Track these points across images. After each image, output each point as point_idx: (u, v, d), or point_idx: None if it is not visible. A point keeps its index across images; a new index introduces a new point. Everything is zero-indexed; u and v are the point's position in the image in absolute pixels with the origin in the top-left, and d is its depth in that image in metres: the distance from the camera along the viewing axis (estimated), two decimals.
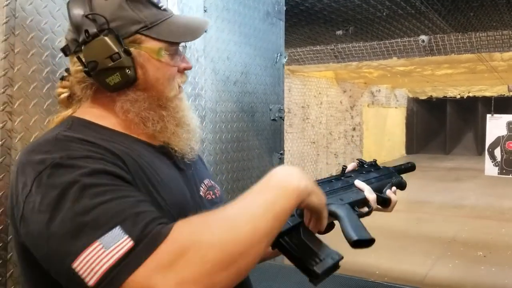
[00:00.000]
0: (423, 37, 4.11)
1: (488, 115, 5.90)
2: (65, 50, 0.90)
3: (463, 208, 7.13)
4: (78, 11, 0.86)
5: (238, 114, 1.95)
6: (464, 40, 4.49)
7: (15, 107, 1.14)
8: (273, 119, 1.94)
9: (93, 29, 0.84)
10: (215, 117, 1.89)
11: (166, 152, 0.93)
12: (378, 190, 1.13)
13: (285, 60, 1.96)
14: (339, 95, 10.50)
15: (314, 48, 5.14)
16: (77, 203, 0.68)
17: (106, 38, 0.84)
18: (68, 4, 0.88)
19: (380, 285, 3.49)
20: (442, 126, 14.92)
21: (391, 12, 3.19)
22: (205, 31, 0.99)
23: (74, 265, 0.65)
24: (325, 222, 0.89)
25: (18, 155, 0.85)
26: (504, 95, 11.04)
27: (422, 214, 6.75)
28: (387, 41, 4.71)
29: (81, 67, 0.86)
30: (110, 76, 0.85)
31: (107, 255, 0.64)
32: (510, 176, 5.79)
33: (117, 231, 0.66)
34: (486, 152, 5.84)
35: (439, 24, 3.57)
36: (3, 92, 1.12)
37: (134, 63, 0.86)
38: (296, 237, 0.88)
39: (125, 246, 0.64)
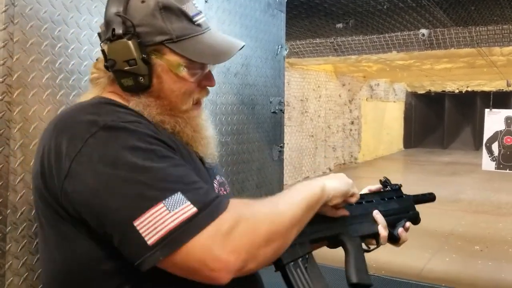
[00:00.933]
0: (423, 30, 4.09)
1: (487, 110, 5.89)
2: (99, 35, 0.92)
3: (460, 202, 7.15)
4: (113, 8, 0.87)
5: (239, 107, 1.94)
6: (464, 34, 4.48)
7: (14, 97, 1.13)
8: (274, 112, 1.93)
9: (119, 30, 0.85)
10: (215, 109, 1.88)
11: None
12: (392, 224, 1.14)
13: (286, 52, 1.95)
14: (338, 88, 10.48)
15: (314, 41, 5.11)
16: (138, 164, 0.71)
17: (129, 42, 0.85)
18: None
19: (378, 278, 3.50)
20: (440, 120, 14.94)
21: (391, 5, 3.18)
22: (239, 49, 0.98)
23: (136, 222, 0.68)
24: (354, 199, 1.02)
25: (55, 117, 0.85)
26: (502, 90, 11.04)
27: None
28: (387, 35, 4.69)
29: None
30: (124, 78, 0.87)
31: (171, 217, 0.68)
32: (507, 171, 5.79)
33: (179, 196, 0.70)
34: (484, 147, 5.84)
35: (440, 18, 3.55)
36: (2, 82, 1.10)
37: (151, 71, 0.87)
38: (301, 268, 0.90)
39: (188, 211, 0.69)
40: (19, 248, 1.13)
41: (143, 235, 0.67)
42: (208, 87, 0.97)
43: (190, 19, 0.89)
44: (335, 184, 0.97)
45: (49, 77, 1.21)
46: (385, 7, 3.16)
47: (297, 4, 3.13)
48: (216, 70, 1.92)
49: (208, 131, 0.97)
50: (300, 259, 0.90)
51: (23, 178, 1.14)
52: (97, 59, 0.95)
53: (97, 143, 0.73)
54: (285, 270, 0.88)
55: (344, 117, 10.84)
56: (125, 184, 0.70)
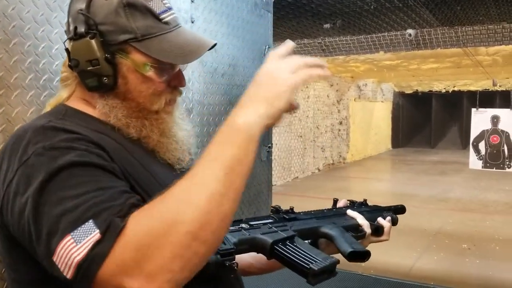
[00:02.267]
0: (410, 31, 4.12)
1: (473, 109, 5.95)
2: (66, 33, 0.89)
3: (448, 201, 7.22)
4: (76, 4, 0.84)
5: (226, 107, 1.93)
6: (451, 34, 4.52)
7: None
8: None
9: (81, 28, 0.82)
10: (203, 110, 1.87)
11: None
12: (371, 221, 1.15)
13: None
14: (326, 89, 10.52)
15: (302, 42, 5.12)
16: (53, 195, 0.67)
17: (91, 41, 0.82)
18: None
19: (367, 278, 3.52)
20: (428, 120, 15.08)
21: (378, 5, 3.19)
22: (212, 48, 0.91)
23: (54, 258, 0.64)
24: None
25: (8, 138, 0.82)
26: (488, 89, 11.18)
27: (408, 207, 6.75)
28: (374, 35, 4.71)
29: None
30: (88, 79, 0.83)
31: (78, 249, 0.63)
32: (494, 169, 5.85)
33: (90, 224, 0.64)
34: (471, 146, 5.90)
35: (426, 18, 3.58)
36: None
37: (116, 71, 0.84)
38: (291, 246, 0.88)
39: (92, 239, 0.63)
40: None
41: (61, 270, 0.64)
42: (181, 87, 0.92)
43: (156, 17, 0.85)
44: (264, 107, 0.71)
45: (32, 78, 1.19)
46: (372, 7, 3.17)
47: (284, 4, 3.14)
48: (203, 70, 1.91)
49: (180, 132, 0.93)
50: (288, 240, 0.89)
51: None
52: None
53: (23, 173, 0.70)
54: (276, 251, 0.86)
55: (333, 117, 10.89)
56: (40, 219, 0.66)
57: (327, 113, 10.61)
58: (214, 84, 1.88)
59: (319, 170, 10.31)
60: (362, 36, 4.77)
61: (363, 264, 4.34)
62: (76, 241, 0.63)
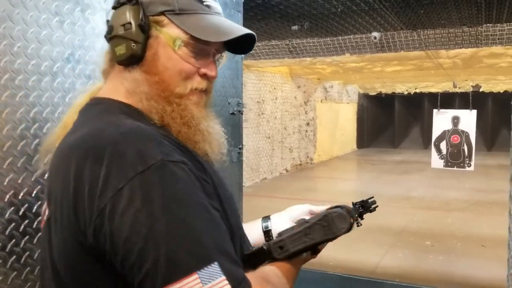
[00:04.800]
0: (375, 33, 4.19)
1: (435, 110, 6.10)
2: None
3: (411, 199, 7.42)
4: None
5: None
6: (413, 37, 4.63)
7: None
8: (232, 113, 1.91)
9: None
10: None
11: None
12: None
13: None
14: (294, 90, 10.61)
15: (270, 43, 5.13)
16: (180, 221, 0.64)
17: (129, 7, 0.82)
18: None
19: (336, 276, 3.56)
20: (391, 121, 15.46)
21: (345, 8, 3.23)
22: (249, 50, 0.92)
23: None
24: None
25: (76, 138, 0.76)
26: (449, 91, 11.56)
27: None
28: (340, 38, 4.77)
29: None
30: (118, 46, 0.82)
31: None
32: (455, 168, 6.03)
33: (215, 267, 0.62)
34: (433, 146, 6.06)
35: (391, 21, 3.65)
36: None
37: (146, 42, 0.81)
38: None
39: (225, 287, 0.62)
40: None
41: None
42: (211, 79, 0.87)
43: None
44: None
45: (7, 78, 1.13)
46: (339, 10, 3.21)
47: (253, 5, 3.13)
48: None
49: (211, 126, 0.88)
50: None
51: None
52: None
53: (142, 186, 0.64)
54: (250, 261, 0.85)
55: (300, 119, 10.98)
56: (162, 243, 0.62)
57: (295, 114, 10.69)
58: None
59: (287, 170, 10.37)
60: (328, 39, 4.81)
61: (331, 263, 4.39)
62: (203, 282, 0.61)
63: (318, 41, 4.95)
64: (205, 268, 0.62)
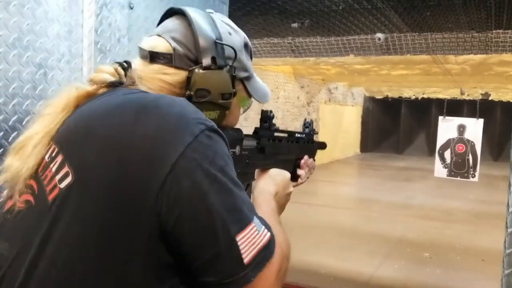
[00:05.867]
0: (379, 35, 4.03)
1: (440, 117, 5.95)
2: (159, 57, 0.82)
3: (411, 208, 7.23)
4: (209, 33, 0.82)
5: None
6: (420, 41, 4.47)
7: None
8: None
9: (220, 60, 0.82)
10: None
11: None
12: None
13: None
14: (297, 90, 10.44)
15: (271, 41, 4.98)
16: (235, 178, 0.70)
17: (226, 74, 0.83)
18: (193, 17, 0.83)
19: None
20: (396, 126, 15.24)
21: (347, 6, 3.08)
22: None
23: (238, 237, 0.66)
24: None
25: (129, 102, 0.75)
26: (456, 98, 11.34)
27: (371, 213, 6.79)
28: (344, 38, 4.61)
29: (181, 81, 0.82)
30: (208, 111, 0.82)
31: (259, 237, 0.68)
32: (458, 178, 5.87)
33: (257, 219, 0.70)
34: (437, 154, 5.90)
35: (396, 22, 3.49)
36: None
37: None
38: None
39: (267, 235, 0.70)
40: None
41: (242, 251, 0.66)
42: None
43: (251, 58, 0.93)
44: (275, 186, 1.02)
45: None
46: (340, 7, 3.05)
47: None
48: None
49: None
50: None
51: None
52: (120, 65, 0.86)
53: (207, 144, 0.68)
54: None
55: (302, 119, 10.82)
56: (233, 195, 0.68)
57: (297, 114, 10.52)
58: None
59: None
60: (332, 39, 4.66)
61: (323, 271, 4.24)
62: (257, 230, 0.69)
63: (322, 40, 4.80)
64: (255, 218, 0.70)
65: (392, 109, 14.95)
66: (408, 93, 13.22)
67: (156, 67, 0.82)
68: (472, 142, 5.68)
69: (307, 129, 1.32)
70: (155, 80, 0.82)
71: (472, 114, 7.33)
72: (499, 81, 8.60)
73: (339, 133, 12.97)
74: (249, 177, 1.01)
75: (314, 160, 1.33)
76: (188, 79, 0.80)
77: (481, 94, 10.75)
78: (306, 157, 1.24)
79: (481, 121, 5.68)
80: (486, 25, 3.46)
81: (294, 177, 1.20)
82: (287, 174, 1.10)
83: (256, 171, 1.06)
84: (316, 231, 5.38)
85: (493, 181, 9.71)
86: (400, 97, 13.75)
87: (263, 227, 0.70)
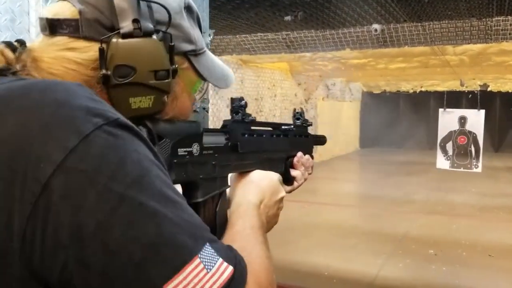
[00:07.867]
0: (375, 26, 3.89)
1: (440, 110, 5.86)
2: (62, 26, 0.59)
3: (414, 203, 7.10)
4: None
5: None
6: (418, 31, 4.33)
7: None
8: (195, 111, 1.62)
9: (148, 24, 0.59)
10: None
11: None
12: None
13: (210, 38, 1.63)
14: (294, 87, 10.32)
15: (266, 37, 4.84)
16: (164, 191, 0.49)
17: (159, 43, 0.60)
18: None
19: None
20: (395, 120, 15.14)
21: None
22: None
23: (169, 286, 0.45)
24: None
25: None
26: (456, 90, 11.20)
27: (373, 210, 6.66)
28: (339, 31, 4.48)
29: (94, 59, 0.58)
30: (138, 96, 0.60)
31: (210, 277, 0.48)
32: (461, 169, 5.78)
33: (209, 249, 0.50)
34: (438, 147, 5.81)
35: (392, 11, 3.35)
36: None
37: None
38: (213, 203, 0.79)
39: (226, 271, 0.50)
40: None
41: None
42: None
43: (200, 28, 0.70)
44: (259, 194, 0.83)
45: None
46: None
47: None
48: None
49: None
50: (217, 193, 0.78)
51: None
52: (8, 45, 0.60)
53: (107, 145, 0.46)
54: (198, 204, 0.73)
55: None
56: (158, 219, 0.46)
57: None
58: None
59: None
60: (327, 32, 4.52)
61: (326, 273, 4.10)
62: (208, 266, 0.49)
63: (317, 34, 4.66)
64: (203, 250, 0.50)
65: (390, 104, 14.85)
66: (406, 87, 13.12)
67: (58, 41, 0.59)
68: (474, 133, 5.61)
69: (298, 120, 1.13)
70: (58, 60, 0.58)
71: (471, 105, 7.21)
72: (498, 71, 8.49)
73: (339, 129, 12.85)
74: (218, 184, 0.78)
75: (312, 157, 1.14)
76: (102, 52, 0.57)
77: (480, 85, 10.63)
78: (300, 154, 1.05)
79: (482, 112, 5.60)
80: (487, 11, 3.33)
81: (288, 179, 1.01)
82: (274, 177, 0.89)
83: (231, 175, 0.85)
84: (318, 231, 5.24)
85: (495, 173, 9.59)
86: (398, 91, 13.65)
87: (220, 259, 0.50)
